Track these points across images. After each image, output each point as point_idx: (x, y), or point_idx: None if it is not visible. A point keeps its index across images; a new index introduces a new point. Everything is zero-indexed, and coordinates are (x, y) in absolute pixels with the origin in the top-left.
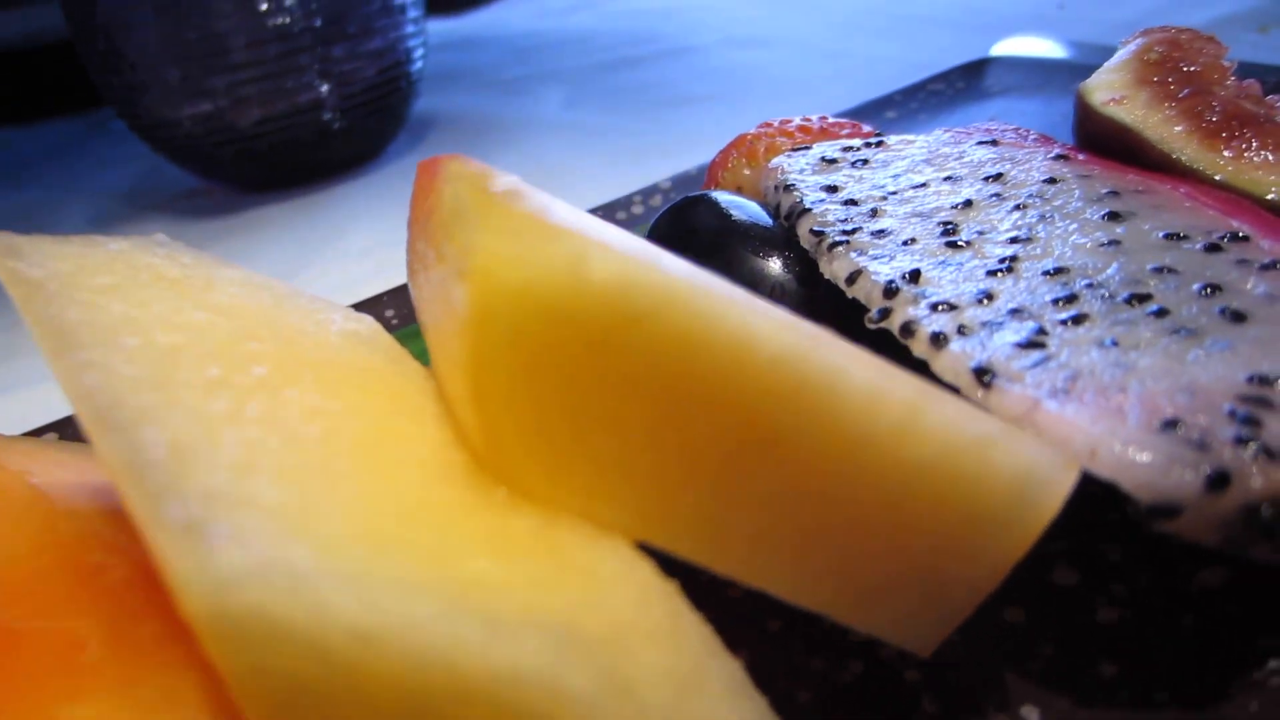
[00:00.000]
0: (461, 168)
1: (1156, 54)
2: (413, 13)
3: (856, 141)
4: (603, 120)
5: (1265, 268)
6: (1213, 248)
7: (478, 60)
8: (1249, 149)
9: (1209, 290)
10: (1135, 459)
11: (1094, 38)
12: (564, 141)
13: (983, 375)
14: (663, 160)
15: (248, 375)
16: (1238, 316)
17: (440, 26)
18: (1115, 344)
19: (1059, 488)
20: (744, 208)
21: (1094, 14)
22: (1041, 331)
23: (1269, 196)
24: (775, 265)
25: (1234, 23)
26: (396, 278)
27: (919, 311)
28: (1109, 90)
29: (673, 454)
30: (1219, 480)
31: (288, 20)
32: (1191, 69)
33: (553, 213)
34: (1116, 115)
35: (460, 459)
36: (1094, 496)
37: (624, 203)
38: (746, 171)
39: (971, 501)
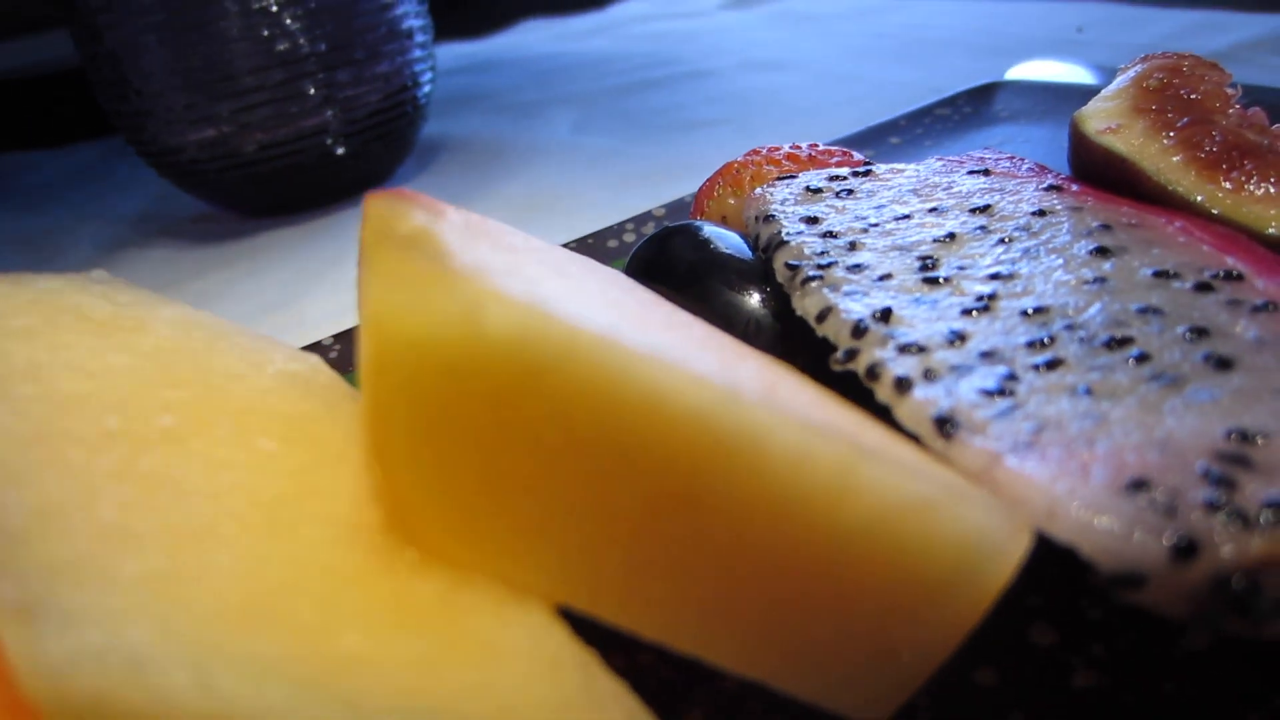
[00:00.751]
0: (377, 206)
1: (1155, 81)
2: (420, 37)
3: (844, 171)
4: (612, 144)
5: (1257, 310)
6: (1203, 287)
7: (492, 83)
8: (1250, 181)
9: (1195, 334)
10: (1096, 523)
11: (1112, 62)
12: (571, 165)
13: (944, 425)
14: (669, 184)
15: (151, 426)
16: (1223, 363)
17: (458, 50)
18: (1089, 392)
19: (1008, 555)
20: (724, 239)
21: (1113, 38)
22: (1012, 377)
23: (1269, 231)
24: (751, 300)
25: (1256, 47)
26: None
27: (886, 353)
28: (1104, 118)
29: (587, 513)
30: (1187, 549)
31: (292, 46)
32: (1192, 97)
33: (460, 257)
34: (1111, 145)
35: (375, 518)
36: (1072, 551)
37: (616, 230)
38: (731, 201)
39: (912, 568)
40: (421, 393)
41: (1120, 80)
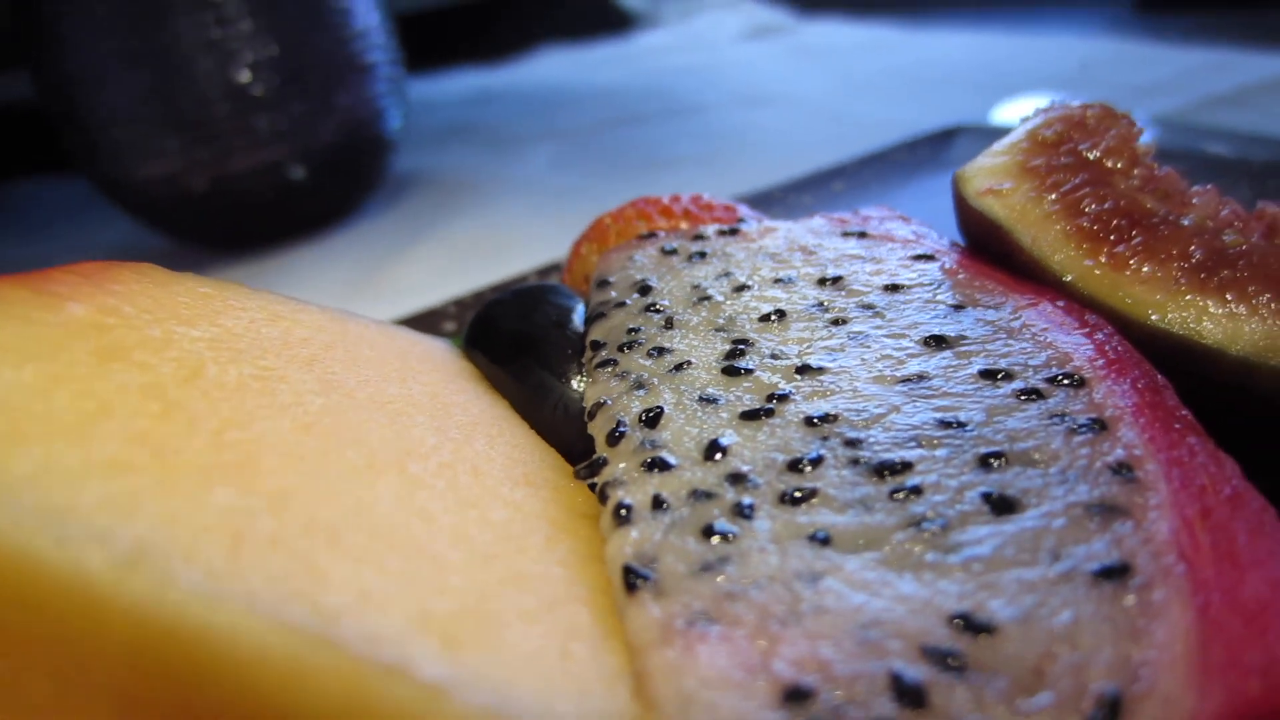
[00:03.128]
0: None
1: (1051, 135)
2: (385, 71)
3: (709, 229)
4: (581, 182)
5: (1077, 430)
6: (1031, 393)
7: (488, 116)
8: (1134, 258)
9: (987, 463)
10: None
11: (1111, 101)
12: (536, 204)
13: (630, 577)
14: None
15: None
16: (1003, 506)
17: (469, 81)
18: (826, 541)
19: None
20: (558, 308)
21: (1115, 77)
22: (746, 513)
23: (1150, 319)
24: (561, 381)
25: (1263, 90)
26: None
27: (627, 471)
28: (988, 177)
29: None
30: None
31: (241, 81)
32: (1091, 154)
33: None
34: (989, 209)
35: None
36: None
37: (515, 281)
38: (595, 259)
39: None
40: None
41: (1014, 134)
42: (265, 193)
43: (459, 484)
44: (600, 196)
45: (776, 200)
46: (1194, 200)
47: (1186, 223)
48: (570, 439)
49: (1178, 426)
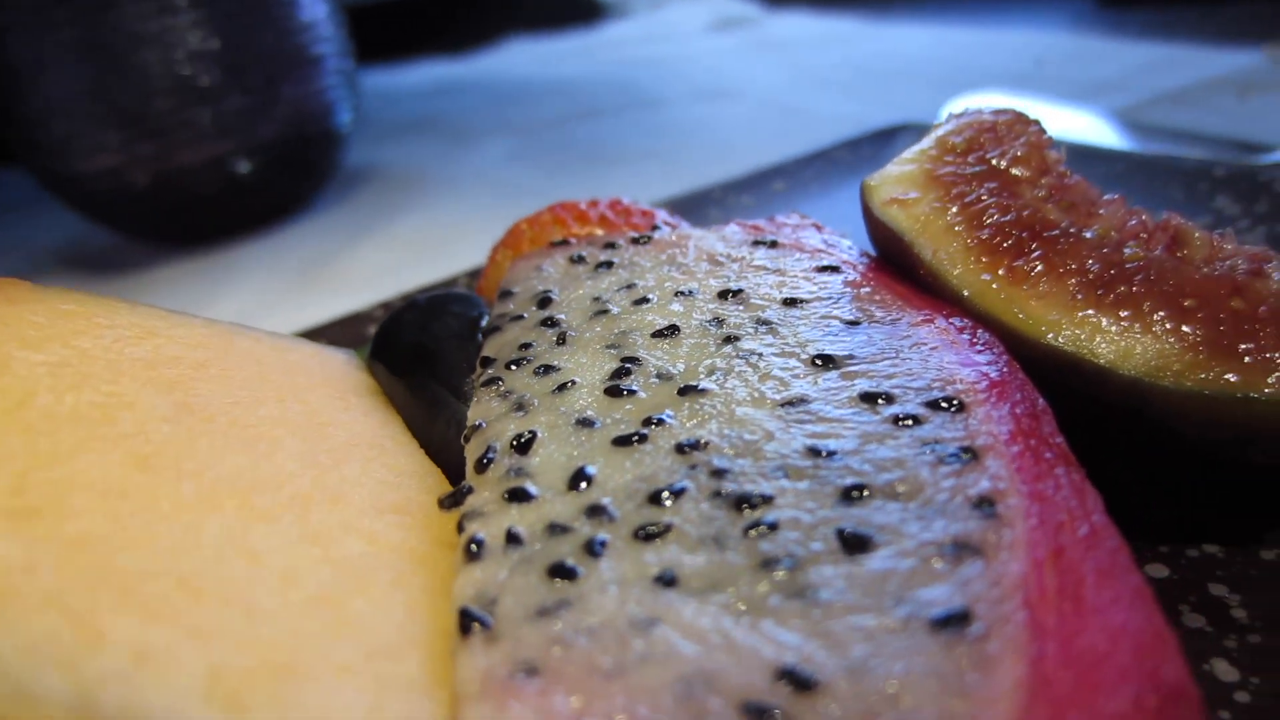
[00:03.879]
0: None
1: (961, 142)
2: (334, 64)
3: (621, 238)
4: (536, 178)
5: (946, 459)
6: (906, 419)
7: (444, 108)
8: (1032, 272)
9: (847, 496)
10: None
11: (1065, 96)
12: (487, 200)
13: (467, 621)
14: None
15: None
16: (856, 544)
17: (436, 72)
18: (671, 583)
19: None
20: (460, 318)
21: (1070, 72)
22: (594, 551)
23: (1044, 336)
24: (456, 397)
25: (1211, 87)
26: None
27: (489, 501)
28: (894, 187)
29: None
30: None
31: (181, 74)
32: (1000, 162)
33: None
34: (894, 220)
35: None
36: None
37: (452, 284)
38: (508, 265)
39: None
40: None
41: (925, 140)
42: (210, 187)
43: (308, 517)
44: (551, 193)
45: (715, 200)
46: (1101, 210)
47: (1089, 235)
48: (459, 460)
49: (1048, 456)
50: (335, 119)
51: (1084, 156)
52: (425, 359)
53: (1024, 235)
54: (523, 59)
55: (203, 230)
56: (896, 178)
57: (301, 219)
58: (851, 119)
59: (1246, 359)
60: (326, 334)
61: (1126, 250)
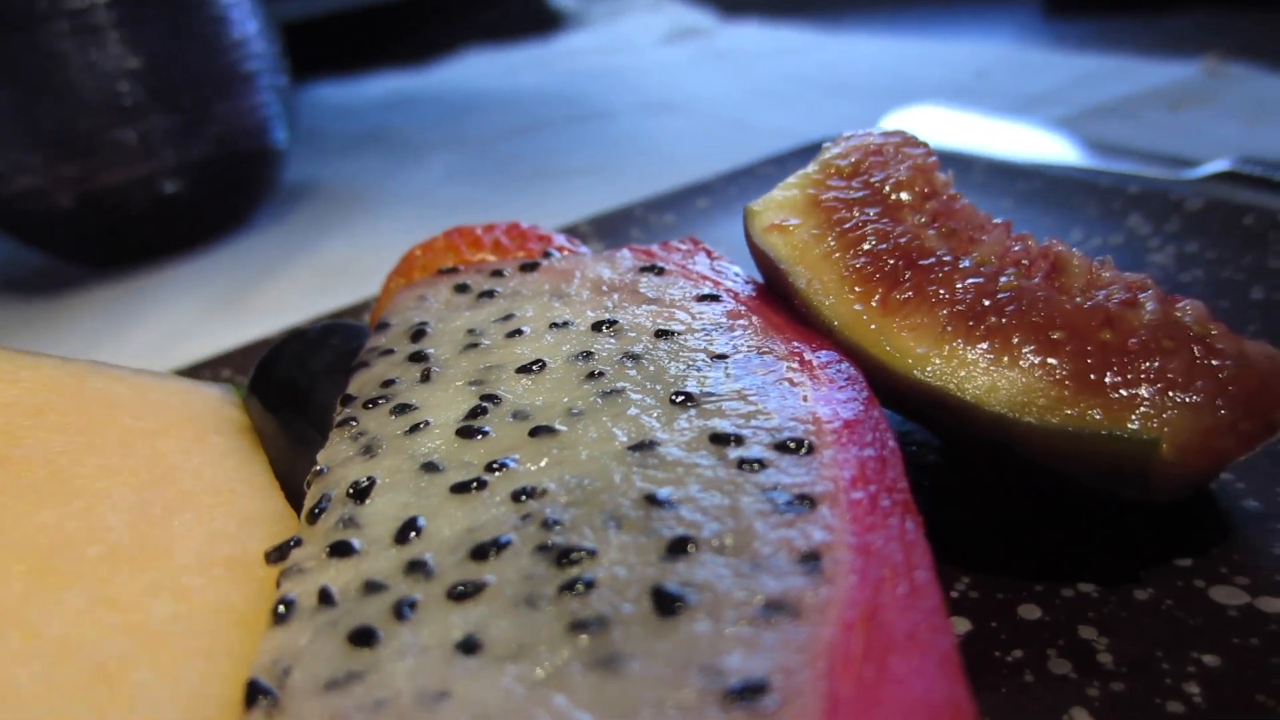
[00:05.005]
0: None
1: (846, 165)
2: (266, 80)
3: (510, 265)
4: (474, 194)
5: (782, 507)
6: (751, 463)
7: (393, 121)
8: (904, 303)
9: (679, 549)
10: None
11: (1002, 108)
12: (425, 218)
13: (254, 694)
14: None
15: None
16: (669, 606)
17: (390, 84)
18: (473, 649)
19: None
20: (338, 351)
21: (1010, 84)
22: (403, 614)
23: (917, 374)
24: (323, 437)
25: (1145, 100)
26: None
27: (310, 557)
28: (777, 212)
29: None
30: None
31: (104, 95)
32: (885, 186)
33: None
34: (771, 247)
35: None
36: None
37: (364, 308)
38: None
39: None
40: None
41: (811, 164)
42: (137, 208)
43: (113, 578)
44: (488, 209)
45: (638, 219)
46: (984, 237)
47: (965, 263)
48: None
49: (886, 504)
50: (269, 137)
51: (1001, 173)
52: (296, 395)
53: (899, 264)
54: (478, 70)
55: (132, 251)
56: (779, 203)
57: (237, 238)
58: (791, 133)
59: (1112, 395)
60: (233, 361)
61: (1002, 279)
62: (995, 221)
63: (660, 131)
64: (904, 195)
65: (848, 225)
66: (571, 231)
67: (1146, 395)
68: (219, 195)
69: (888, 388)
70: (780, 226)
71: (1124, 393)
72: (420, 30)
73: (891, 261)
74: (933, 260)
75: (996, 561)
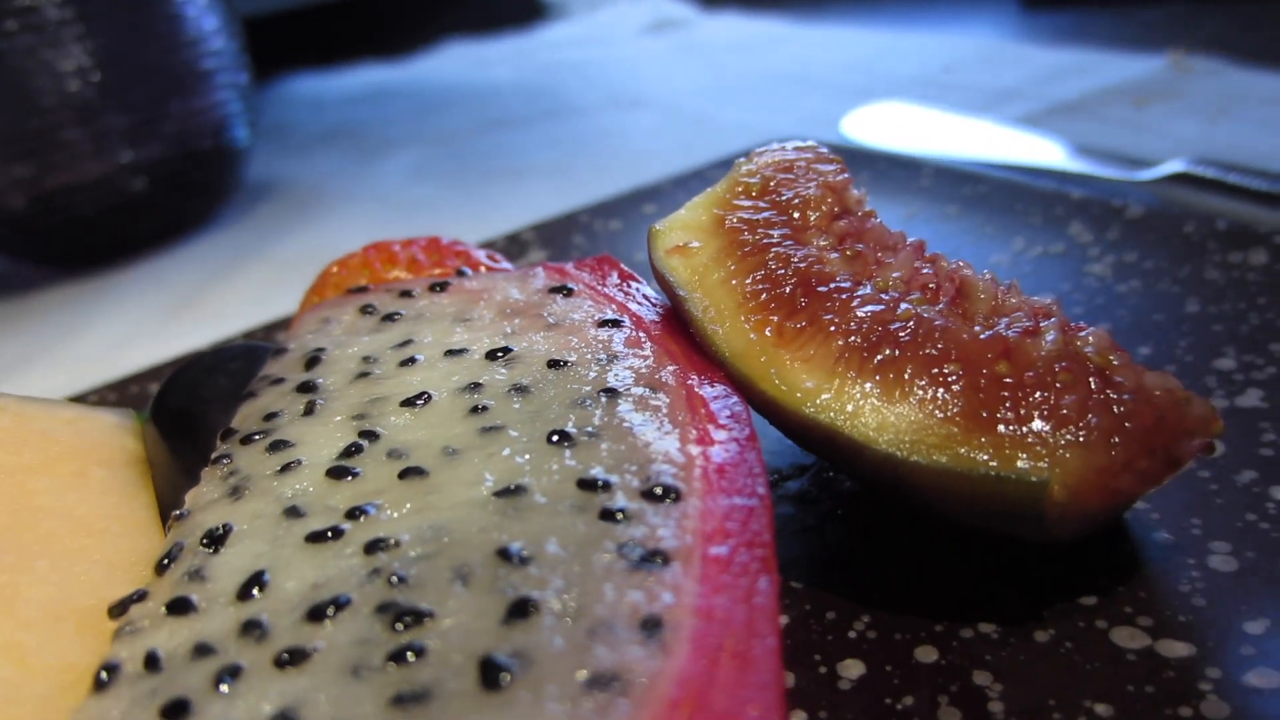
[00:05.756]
0: None
1: (756, 183)
2: (226, 78)
3: (420, 285)
4: (434, 193)
5: (638, 562)
6: (614, 513)
7: (366, 116)
8: (801, 333)
9: (518, 612)
10: None
11: (967, 104)
12: (385, 218)
13: None
14: (468, 240)
15: None
16: (494, 678)
17: (367, 77)
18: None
19: None
20: (237, 376)
21: (978, 80)
22: (221, 683)
23: (806, 409)
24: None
25: (1109, 95)
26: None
27: (148, 614)
28: (681, 233)
29: None
30: None
31: (56, 93)
32: (792, 204)
33: None
34: (671, 271)
35: None
36: None
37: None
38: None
39: None
40: None
41: (722, 181)
42: (91, 208)
43: None
44: (447, 210)
45: (582, 225)
46: (891, 259)
47: (867, 290)
48: None
49: (743, 560)
50: (229, 135)
51: (948, 178)
52: (190, 424)
53: (796, 290)
54: (455, 63)
55: (88, 252)
56: (683, 223)
57: (198, 237)
58: (755, 130)
59: (1003, 432)
60: (163, 374)
61: (901, 307)
62: (909, 240)
63: (626, 129)
64: (811, 215)
65: (749, 248)
66: (515, 239)
67: (1038, 433)
68: (177, 195)
69: (783, 422)
70: (682, 249)
71: (1014, 430)
72: (405, 20)
73: (789, 288)
74: (830, 287)
75: (901, 597)
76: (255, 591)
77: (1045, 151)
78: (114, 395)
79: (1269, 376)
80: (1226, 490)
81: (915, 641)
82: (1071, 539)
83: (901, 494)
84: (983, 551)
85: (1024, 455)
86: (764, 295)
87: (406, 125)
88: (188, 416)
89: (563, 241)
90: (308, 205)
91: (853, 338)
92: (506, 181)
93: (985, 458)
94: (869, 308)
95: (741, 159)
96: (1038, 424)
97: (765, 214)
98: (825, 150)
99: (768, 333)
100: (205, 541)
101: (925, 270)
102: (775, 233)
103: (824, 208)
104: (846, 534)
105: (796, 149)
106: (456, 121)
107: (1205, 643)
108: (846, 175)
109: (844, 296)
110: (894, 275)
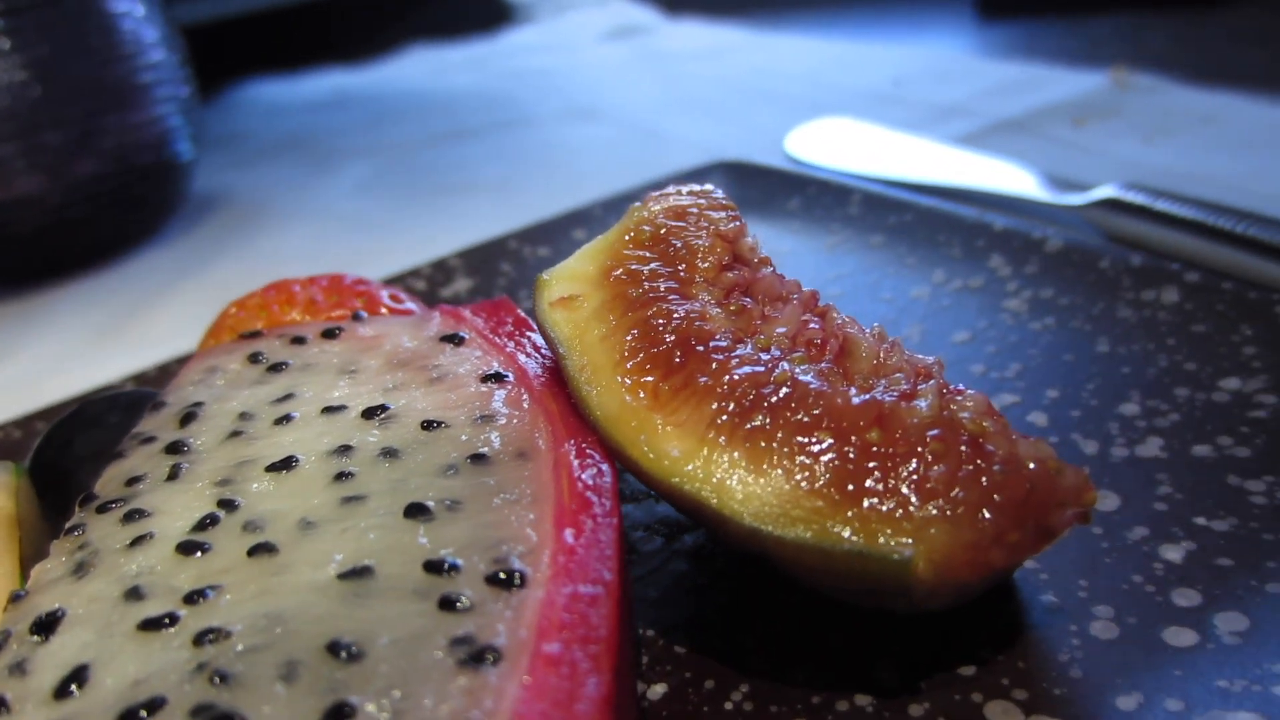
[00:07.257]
0: None
1: (648, 232)
2: (166, 92)
3: (313, 330)
4: (377, 209)
5: (467, 661)
6: (452, 601)
7: (320, 124)
8: (675, 396)
9: (335, 716)
10: None
11: (912, 120)
12: (325, 236)
13: None
14: (403, 261)
15: None
16: None
17: (324, 83)
18: None
19: None
20: (111, 431)
21: (927, 94)
22: None
23: (671, 479)
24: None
25: (1051, 114)
26: None
27: None
28: (567, 284)
29: None
30: None
31: None
32: (680, 254)
33: None
34: (553, 326)
35: None
36: None
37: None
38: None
39: None
40: None
41: (615, 227)
42: (23, 227)
43: None
44: (390, 226)
45: (509, 253)
46: (777, 313)
47: (746, 349)
48: None
49: (577, 658)
50: (170, 150)
51: (876, 205)
52: (65, 482)
53: (673, 349)
54: (415, 69)
55: (24, 271)
56: (571, 273)
57: (137, 255)
58: (704, 145)
59: (868, 506)
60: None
61: (779, 369)
62: (802, 290)
63: (576, 142)
64: (701, 265)
65: (632, 302)
66: (441, 266)
67: (904, 506)
68: (115, 212)
69: (655, 488)
70: (566, 301)
71: (880, 504)
72: (370, 24)
73: (666, 345)
74: (709, 346)
75: (783, 665)
76: (74, 688)
77: (980, 173)
78: (19, 432)
79: (1171, 424)
80: (1117, 548)
81: (791, 714)
82: (947, 609)
83: (771, 565)
84: (868, 613)
85: (888, 530)
86: (641, 354)
87: (358, 135)
88: (62, 474)
89: (489, 269)
90: (253, 221)
91: (726, 402)
92: (449, 199)
93: (849, 533)
94: (746, 369)
95: (636, 204)
96: (905, 496)
97: (652, 265)
98: (720, 196)
99: (641, 395)
100: (34, 628)
101: (813, 325)
102: (661, 285)
103: (713, 258)
104: (737, 593)
105: (691, 194)
106: (408, 132)
107: (1077, 719)
108: (740, 223)
109: (721, 357)
110: (778, 331)
